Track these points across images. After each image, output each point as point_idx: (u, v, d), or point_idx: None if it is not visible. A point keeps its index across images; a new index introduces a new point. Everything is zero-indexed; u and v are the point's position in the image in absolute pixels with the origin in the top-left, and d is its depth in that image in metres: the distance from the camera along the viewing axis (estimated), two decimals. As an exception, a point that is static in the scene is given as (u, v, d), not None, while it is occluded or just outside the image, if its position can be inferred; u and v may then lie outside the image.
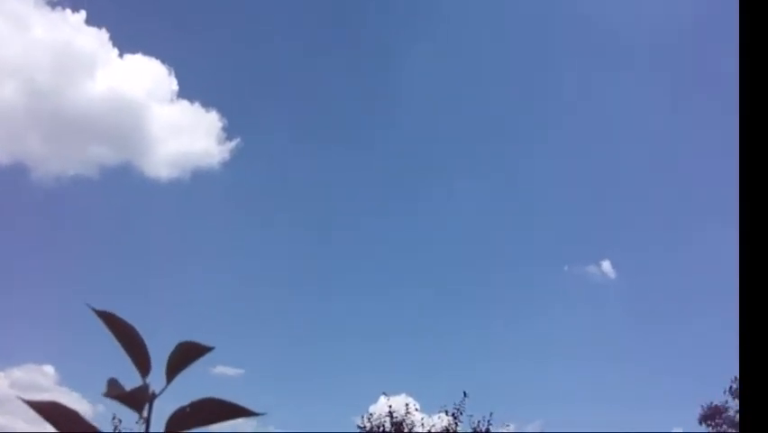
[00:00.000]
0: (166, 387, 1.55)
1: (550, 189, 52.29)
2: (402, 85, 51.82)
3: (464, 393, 24.49)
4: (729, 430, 23.96)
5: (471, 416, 24.37)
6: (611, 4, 52.08)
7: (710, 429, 24.12)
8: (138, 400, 1.53)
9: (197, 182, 47.03)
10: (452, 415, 24.24)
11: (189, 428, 1.51)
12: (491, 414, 24.27)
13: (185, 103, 47.22)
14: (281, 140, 50.23)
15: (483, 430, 24.13)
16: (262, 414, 1.52)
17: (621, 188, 51.96)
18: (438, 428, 24.35)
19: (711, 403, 24.24)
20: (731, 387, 24.16)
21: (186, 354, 1.57)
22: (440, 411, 24.58)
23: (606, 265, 45.76)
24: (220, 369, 37.53)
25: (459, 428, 24.28)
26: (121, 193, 48.80)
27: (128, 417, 20.36)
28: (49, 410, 1.47)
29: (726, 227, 48.50)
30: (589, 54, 52.64)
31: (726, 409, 24.15)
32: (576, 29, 52.72)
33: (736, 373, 24.38)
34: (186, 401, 1.52)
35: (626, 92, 51.45)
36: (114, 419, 23.09)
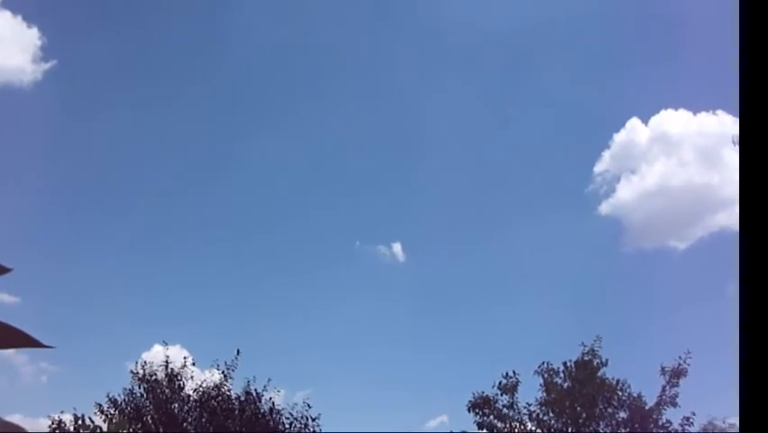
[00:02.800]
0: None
1: (358, 166, 53.60)
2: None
3: (237, 351, 24.90)
4: (495, 421, 24.94)
5: (252, 379, 24.71)
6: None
7: (478, 418, 24.99)
8: None
9: (4, 98, 45.53)
10: (223, 373, 24.53)
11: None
12: (269, 380, 24.69)
13: (7, 14, 45.19)
14: (97, 67, 49.37)
15: (254, 392, 24.50)
16: (51, 347, 1.42)
17: (425, 178, 53.64)
18: (209, 383, 24.55)
19: (483, 393, 25.11)
20: (500, 382, 25.13)
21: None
22: (212, 366, 24.96)
23: (397, 247, 47.41)
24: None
25: (230, 386, 24.60)
26: None
27: None
28: None
29: (520, 226, 51.26)
30: (413, 53, 53.91)
31: (496, 401, 25.13)
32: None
33: (513, 367, 25.58)
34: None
35: (441, 89, 53.02)
36: None
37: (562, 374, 25.34)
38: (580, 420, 25.06)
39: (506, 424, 25.05)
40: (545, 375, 25.41)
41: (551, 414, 25.24)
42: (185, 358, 25.02)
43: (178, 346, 27.33)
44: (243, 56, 53.65)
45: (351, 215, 53.47)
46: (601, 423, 25.10)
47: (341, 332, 47.42)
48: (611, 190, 48.22)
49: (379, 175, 54.89)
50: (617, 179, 47.81)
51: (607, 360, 25.38)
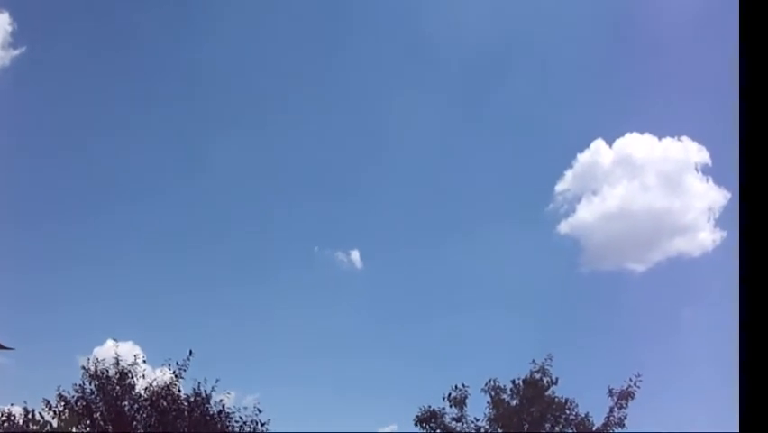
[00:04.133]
0: None
1: (320, 171, 53.80)
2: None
3: (190, 352, 24.82)
4: None
5: (202, 381, 24.66)
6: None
7: (424, 432, 25.14)
8: None
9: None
10: (174, 373, 24.47)
11: None
12: (217, 381, 24.62)
13: (-23, 1, 44.55)
14: (67, 56, 48.48)
15: (204, 393, 24.45)
16: (10, 349, 1.41)
17: (387, 188, 53.84)
18: (159, 382, 24.50)
19: (429, 407, 25.29)
20: (450, 394, 25.34)
21: None
22: (164, 365, 24.90)
23: (355, 254, 47.66)
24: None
25: (180, 387, 24.54)
26: None
27: None
28: None
29: (479, 240, 51.66)
30: (379, 63, 54.27)
31: (443, 415, 25.32)
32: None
33: (465, 379, 25.77)
34: None
35: (405, 99, 53.14)
36: None
37: (509, 391, 25.59)
38: (528, 438, 25.34)
39: (452, 438, 25.29)
40: (492, 393, 25.65)
41: (499, 430, 25.47)
42: (135, 356, 24.91)
43: (130, 343, 27.23)
44: (208, 57, 53.49)
45: (310, 220, 53.32)
46: (548, 441, 25.39)
47: (296, 337, 47.30)
48: (571, 210, 48.65)
49: (340, 182, 54.86)
50: (578, 199, 48.26)
51: (557, 379, 25.68)
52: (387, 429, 39.80)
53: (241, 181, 52.68)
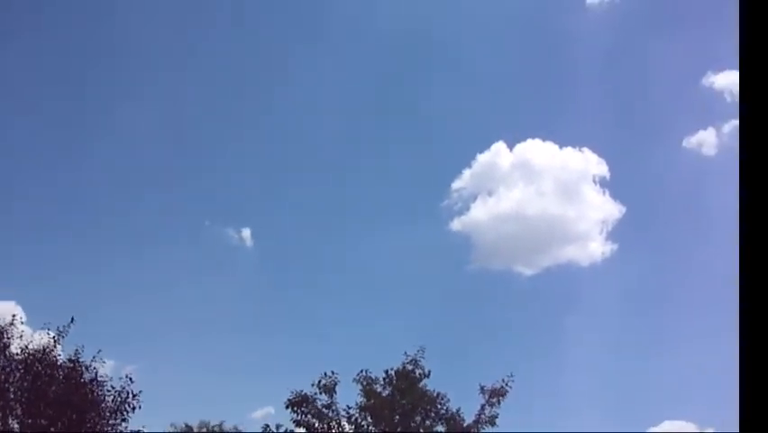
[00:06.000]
0: None
1: (224, 147, 53.64)
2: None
3: (72, 318, 24.29)
4: (313, 420, 24.89)
5: (80, 347, 24.06)
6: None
7: (296, 416, 24.87)
8: None
9: None
10: (54, 338, 23.89)
11: None
12: (99, 351, 24.11)
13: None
14: None
15: (79, 360, 23.91)
16: None
17: (288, 175, 54.34)
18: (36, 344, 23.93)
19: (302, 391, 25.03)
20: (319, 381, 25.10)
21: None
22: (43, 329, 24.40)
23: (246, 232, 47.52)
24: None
25: (58, 351, 23.97)
26: None
27: None
28: None
29: (371, 231, 52.04)
30: (293, 49, 54.25)
31: (314, 401, 25.10)
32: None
33: (340, 367, 25.64)
34: None
35: (314, 88, 53.99)
36: None
37: (382, 381, 25.51)
38: (398, 429, 25.28)
39: (323, 424, 25.07)
40: (364, 382, 25.54)
41: (369, 419, 25.38)
42: (14, 316, 24.04)
43: (12, 303, 26.28)
44: (110, 24, 52.32)
45: (204, 195, 52.88)
46: (418, 433, 25.40)
47: (182, 311, 46.79)
48: (466, 208, 49.26)
49: (240, 161, 54.49)
50: (474, 198, 48.88)
51: (429, 372, 25.75)
52: (263, 411, 39.41)
53: (135, 152, 51.73)
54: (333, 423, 25.13)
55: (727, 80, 49.74)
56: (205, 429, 37.06)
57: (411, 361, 25.54)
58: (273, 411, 37.82)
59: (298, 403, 24.93)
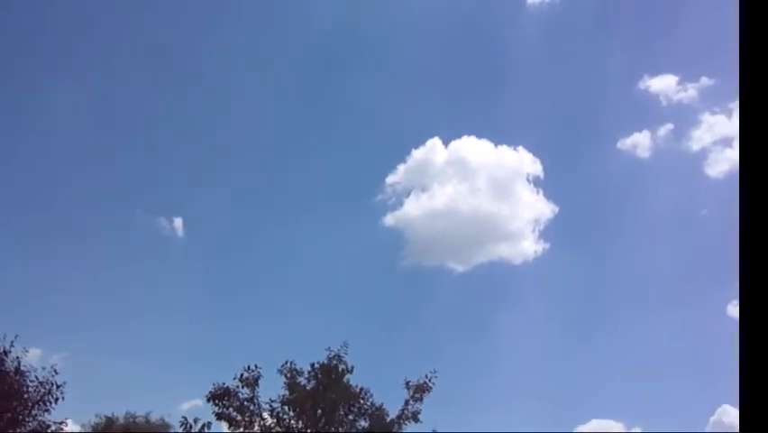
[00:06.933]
0: None
1: (160, 137, 53.17)
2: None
3: None
4: (234, 414, 24.71)
5: (3, 337, 23.70)
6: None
7: (217, 409, 24.67)
8: None
9: None
10: None
11: None
12: (16, 336, 23.75)
13: None
14: None
15: (2, 348, 23.63)
16: None
17: (221, 166, 53.89)
18: None
19: (223, 384, 24.85)
20: (242, 374, 24.93)
21: None
22: None
23: (178, 222, 47.21)
24: None
25: None
26: None
27: None
28: None
29: (303, 224, 51.98)
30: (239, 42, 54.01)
31: (236, 394, 24.94)
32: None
33: (263, 361, 25.47)
34: None
35: (252, 81, 53.65)
36: None
37: (307, 374, 25.45)
38: (321, 423, 25.23)
39: (244, 417, 24.91)
40: (287, 375, 25.44)
41: (291, 413, 25.29)
42: None
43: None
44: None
45: (136, 183, 52.25)
46: (341, 428, 25.36)
47: (112, 299, 46.19)
48: (399, 203, 49.38)
49: (174, 151, 53.90)
50: (407, 194, 48.99)
51: (352, 367, 25.69)
52: (191, 403, 39.00)
53: (65, 138, 50.88)
54: (255, 416, 25.02)
55: (663, 84, 50.76)
56: (131, 420, 36.56)
57: (335, 356, 25.51)
58: (201, 404, 37.42)
59: (220, 396, 24.68)
